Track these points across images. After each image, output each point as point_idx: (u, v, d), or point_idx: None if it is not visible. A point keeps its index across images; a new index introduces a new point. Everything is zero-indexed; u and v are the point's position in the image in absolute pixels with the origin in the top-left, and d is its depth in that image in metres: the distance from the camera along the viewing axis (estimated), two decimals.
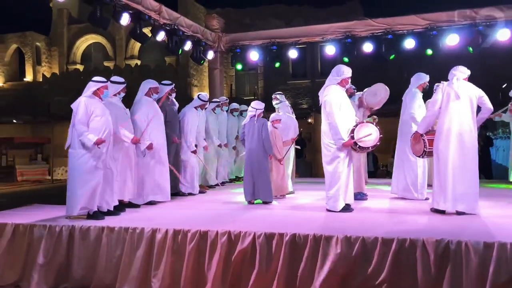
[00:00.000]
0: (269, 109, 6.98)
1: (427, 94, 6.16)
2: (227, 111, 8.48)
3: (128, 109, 5.73)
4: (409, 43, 8.42)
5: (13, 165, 16.98)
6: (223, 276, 4.05)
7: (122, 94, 5.58)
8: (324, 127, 5.23)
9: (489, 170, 10.27)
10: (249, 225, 4.37)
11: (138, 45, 20.90)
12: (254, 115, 6.05)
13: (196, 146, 6.97)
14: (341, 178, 5.10)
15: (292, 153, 7.06)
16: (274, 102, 7.15)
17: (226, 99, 8.60)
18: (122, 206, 5.43)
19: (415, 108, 5.97)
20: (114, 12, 6.88)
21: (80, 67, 22.25)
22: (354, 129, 5.09)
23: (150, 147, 5.77)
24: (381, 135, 5.15)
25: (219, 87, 10.22)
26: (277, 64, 9.87)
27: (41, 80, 21.60)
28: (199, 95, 7.20)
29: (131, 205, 5.68)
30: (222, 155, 8.16)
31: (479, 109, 4.99)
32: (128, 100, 5.87)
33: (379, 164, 13.79)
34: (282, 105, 7.08)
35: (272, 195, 6.07)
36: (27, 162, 18.09)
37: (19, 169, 16.74)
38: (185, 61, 18.48)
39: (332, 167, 5.13)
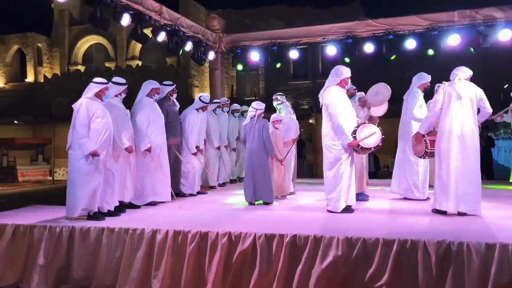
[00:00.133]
0: (270, 109, 6.97)
1: (428, 94, 6.14)
2: (228, 112, 8.47)
3: (128, 110, 5.72)
4: (410, 44, 8.40)
5: (14, 165, 17.01)
6: (224, 277, 4.04)
7: (123, 95, 5.57)
8: (325, 129, 5.21)
9: (490, 171, 10.24)
10: (249, 226, 4.36)
11: (139, 45, 20.93)
12: (254, 116, 6.04)
13: (197, 148, 6.96)
14: (343, 179, 5.09)
15: (293, 154, 7.04)
16: (275, 103, 7.14)
17: (227, 100, 8.58)
18: (122, 207, 5.42)
19: (416, 108, 5.96)
20: (115, 13, 6.87)
21: (81, 68, 22.28)
22: (356, 129, 5.07)
23: (149, 149, 5.77)
24: (383, 136, 5.13)
25: (220, 87, 10.21)
26: (278, 65, 9.85)
27: (42, 81, 21.64)
28: (200, 96, 7.18)
29: (131, 206, 5.67)
30: (223, 156, 8.14)
31: (478, 110, 4.98)
32: (129, 101, 5.86)
33: (380, 164, 13.78)
34: (284, 105, 7.07)
35: (273, 195, 6.06)
36: (28, 162, 18.12)
37: (20, 169, 16.77)
38: (186, 61, 18.49)
39: (334, 168, 5.11)
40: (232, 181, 8.63)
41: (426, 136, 5.19)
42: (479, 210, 4.78)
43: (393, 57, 8.70)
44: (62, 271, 4.49)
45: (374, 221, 4.77)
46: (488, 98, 4.98)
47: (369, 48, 8.71)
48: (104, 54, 22.44)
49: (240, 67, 9.99)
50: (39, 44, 22.31)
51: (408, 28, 8.40)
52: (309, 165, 15.99)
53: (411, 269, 3.64)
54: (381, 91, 6.25)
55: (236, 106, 8.81)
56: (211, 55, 9.53)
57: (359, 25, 8.76)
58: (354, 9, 17.66)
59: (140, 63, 21.25)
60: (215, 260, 4.04)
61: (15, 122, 19.66)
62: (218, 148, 7.86)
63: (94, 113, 4.89)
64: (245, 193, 6.02)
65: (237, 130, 8.53)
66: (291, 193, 6.84)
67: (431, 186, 5.66)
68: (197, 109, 7.05)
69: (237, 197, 6.62)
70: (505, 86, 13.50)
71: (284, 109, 7.02)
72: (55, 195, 9.26)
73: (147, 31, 7.91)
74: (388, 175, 12.50)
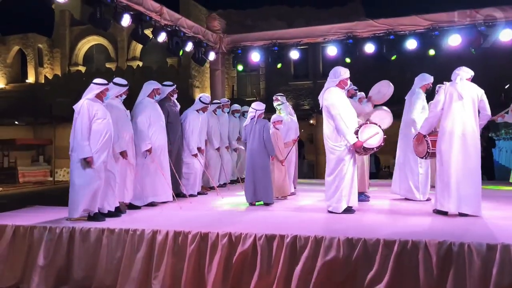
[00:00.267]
0: (270, 110, 6.96)
1: (430, 95, 6.12)
2: (228, 112, 8.46)
3: (128, 111, 5.71)
4: (411, 44, 8.38)
5: (15, 166, 17.00)
6: (224, 278, 4.03)
7: (124, 97, 5.57)
8: (327, 130, 5.19)
9: (491, 171, 10.22)
10: (250, 227, 4.35)
11: (140, 46, 20.91)
12: (254, 116, 6.03)
13: (199, 149, 6.95)
14: (345, 180, 5.07)
15: (293, 155, 7.03)
16: (275, 103, 7.13)
17: (228, 101, 8.58)
18: (122, 208, 5.42)
19: (418, 111, 5.93)
20: (115, 13, 6.86)
21: (82, 69, 22.28)
22: (358, 130, 5.06)
23: (150, 150, 5.77)
24: (385, 135, 5.12)
25: (221, 88, 10.21)
26: (279, 65, 9.84)
27: (43, 81, 21.64)
28: (200, 97, 7.18)
29: (131, 206, 5.67)
30: (224, 156, 8.14)
31: (478, 112, 4.96)
32: (130, 102, 5.86)
33: (381, 165, 13.75)
34: (284, 106, 7.06)
35: (273, 196, 6.05)
36: (28, 163, 18.12)
37: (21, 170, 16.76)
38: (186, 62, 18.49)
39: (337, 169, 5.09)
40: (233, 182, 8.62)
41: (427, 136, 5.18)
42: (479, 211, 4.77)
43: (393, 58, 8.69)
44: (62, 272, 4.49)
45: (375, 221, 4.76)
46: (488, 98, 4.97)
47: (369, 48, 8.70)
48: (104, 54, 22.44)
49: (240, 67, 9.98)
50: (39, 45, 22.30)
51: (409, 28, 8.39)
52: (310, 166, 15.99)
53: (412, 269, 3.62)
54: (384, 88, 6.22)
55: (236, 106, 8.81)
56: (212, 56, 9.52)
57: (360, 25, 8.75)
58: (354, 9, 17.64)
59: (140, 63, 21.24)
60: (216, 261, 4.03)
61: (16, 122, 19.66)
62: (218, 149, 7.85)
63: (95, 114, 4.89)
64: (246, 193, 6.01)
65: (237, 131, 8.53)
66: (292, 194, 6.84)
67: (433, 187, 5.64)
68: (197, 110, 7.04)
69: (237, 198, 6.61)
70: (506, 87, 13.49)
71: (284, 110, 7.01)
72: (56, 196, 9.27)
73: (148, 32, 7.90)
74: (389, 175, 12.47)
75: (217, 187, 7.79)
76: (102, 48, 22.56)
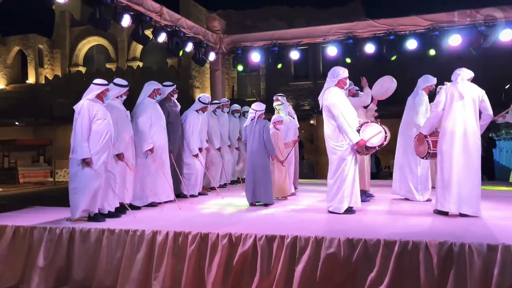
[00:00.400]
0: (271, 110, 6.96)
1: (431, 96, 6.11)
2: (228, 112, 8.46)
3: (129, 111, 5.71)
4: (411, 44, 8.37)
5: (15, 167, 16.99)
6: (224, 279, 4.02)
7: (124, 97, 5.56)
8: (327, 130, 5.18)
9: (491, 171, 10.21)
10: (250, 227, 4.35)
11: (140, 47, 20.94)
12: (254, 117, 6.03)
13: (200, 149, 6.94)
14: (347, 180, 5.06)
15: (293, 155, 7.02)
16: (274, 104, 7.12)
17: (227, 101, 8.57)
18: (122, 208, 5.41)
19: (423, 115, 5.88)
20: (115, 14, 6.86)
21: (83, 69, 22.30)
22: (359, 129, 5.05)
23: (152, 150, 5.78)
24: (387, 134, 5.11)
25: (221, 88, 10.20)
26: (279, 66, 9.84)
27: (43, 82, 21.65)
28: (199, 97, 7.17)
29: (131, 207, 5.66)
30: (225, 156, 8.14)
31: (479, 113, 4.95)
32: (130, 102, 5.85)
33: (381, 165, 13.74)
34: (283, 107, 7.05)
35: (273, 196, 6.04)
36: (29, 164, 18.09)
37: (21, 171, 16.74)
38: (187, 62, 18.50)
39: (339, 170, 5.08)
40: (233, 182, 8.62)
41: (428, 136, 5.17)
42: (479, 211, 4.76)
43: (393, 58, 8.68)
44: (62, 272, 4.48)
45: (375, 222, 4.75)
46: (489, 98, 4.96)
47: (370, 48, 8.69)
48: (105, 55, 22.46)
49: (240, 68, 9.97)
50: (40, 46, 22.32)
51: (409, 29, 8.38)
52: (311, 166, 15.98)
53: (412, 270, 3.62)
54: (386, 83, 6.17)
55: (236, 106, 8.81)
56: (212, 56, 9.52)
57: (360, 25, 8.74)
58: (354, 9, 17.65)
59: (141, 64, 21.26)
60: (216, 261, 4.03)
61: (16, 123, 19.67)
62: (219, 149, 7.85)
63: (95, 115, 4.89)
64: (246, 194, 6.01)
65: (237, 131, 8.52)
66: (292, 194, 6.83)
67: (433, 188, 5.63)
68: (197, 110, 7.04)
69: (238, 198, 6.60)
70: (507, 87, 13.49)
71: (283, 110, 7.01)
72: (56, 197, 9.26)
73: (148, 32, 7.90)
74: (389, 175, 12.46)
75: (218, 187, 7.79)
76: (102, 48, 22.58)
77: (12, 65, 22.64)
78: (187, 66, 18.94)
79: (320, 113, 5.57)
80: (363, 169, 6.10)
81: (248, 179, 6.02)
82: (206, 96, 7.34)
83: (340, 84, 5.23)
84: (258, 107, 6.05)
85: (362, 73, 6.31)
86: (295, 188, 7.25)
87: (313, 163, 16.24)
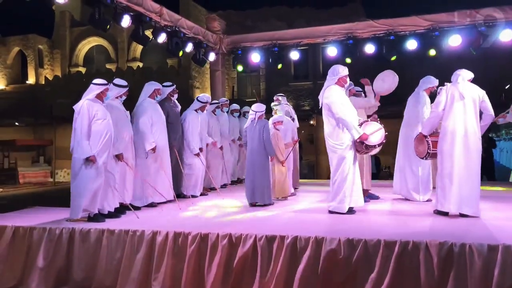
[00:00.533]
0: (271, 110, 6.96)
1: (431, 97, 6.09)
2: (227, 112, 8.46)
3: (128, 112, 5.71)
4: (411, 44, 8.37)
5: (15, 167, 17.01)
6: (224, 279, 4.02)
7: (124, 98, 5.56)
8: (327, 129, 5.18)
9: (491, 172, 10.21)
10: (250, 228, 4.34)
11: (140, 47, 20.94)
12: (254, 118, 6.02)
13: (201, 149, 6.94)
14: (347, 180, 5.05)
15: (292, 156, 7.01)
16: (272, 104, 7.11)
17: (226, 100, 8.56)
18: (122, 208, 5.41)
19: (425, 116, 5.85)
20: (115, 14, 6.85)
21: (82, 70, 22.29)
22: (359, 127, 5.04)
23: (154, 149, 5.78)
24: (386, 132, 5.10)
25: (221, 89, 10.20)
26: (279, 66, 9.84)
27: (43, 82, 21.64)
28: (198, 97, 7.18)
29: (131, 207, 5.66)
30: (225, 156, 8.13)
31: (480, 113, 4.94)
32: (130, 102, 5.85)
33: (381, 165, 13.74)
34: (281, 107, 7.03)
35: (272, 197, 6.03)
36: (29, 164, 18.12)
37: (21, 171, 16.77)
38: (187, 63, 18.49)
39: (339, 169, 5.08)
40: (234, 182, 8.61)
41: (428, 137, 5.17)
42: (479, 211, 4.76)
43: (393, 58, 8.69)
44: (62, 273, 4.48)
45: (376, 222, 4.75)
46: (489, 99, 4.96)
47: (369, 49, 8.69)
48: (105, 55, 22.45)
49: (240, 68, 9.97)
50: (40, 46, 22.32)
51: (409, 29, 8.38)
52: (310, 166, 15.97)
53: (413, 270, 3.61)
54: (388, 78, 6.06)
55: (235, 106, 8.81)
56: (212, 56, 9.52)
57: (360, 25, 8.74)
58: (354, 9, 17.64)
59: (141, 64, 21.25)
60: (216, 261, 4.03)
61: (16, 123, 19.66)
62: (221, 148, 7.85)
63: (95, 115, 4.89)
64: (246, 194, 6.00)
65: (237, 130, 8.52)
66: (292, 194, 6.82)
67: (434, 188, 5.62)
68: (196, 110, 7.04)
69: (238, 199, 6.60)
70: (506, 87, 13.48)
71: (281, 111, 7.00)
72: (56, 197, 9.26)
73: (148, 33, 7.90)
74: (389, 176, 12.47)
75: (218, 188, 7.78)
76: (102, 49, 22.57)
77: (12, 65, 22.63)
78: (187, 67, 18.94)
79: (320, 113, 5.55)
80: (363, 167, 6.09)
81: (248, 179, 6.01)
82: (205, 95, 7.35)
83: (340, 82, 5.22)
84: (258, 108, 6.05)
85: (362, 73, 6.29)
86: (295, 189, 7.25)
87: (313, 163, 16.24)
